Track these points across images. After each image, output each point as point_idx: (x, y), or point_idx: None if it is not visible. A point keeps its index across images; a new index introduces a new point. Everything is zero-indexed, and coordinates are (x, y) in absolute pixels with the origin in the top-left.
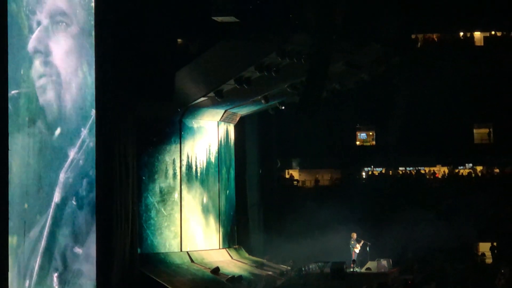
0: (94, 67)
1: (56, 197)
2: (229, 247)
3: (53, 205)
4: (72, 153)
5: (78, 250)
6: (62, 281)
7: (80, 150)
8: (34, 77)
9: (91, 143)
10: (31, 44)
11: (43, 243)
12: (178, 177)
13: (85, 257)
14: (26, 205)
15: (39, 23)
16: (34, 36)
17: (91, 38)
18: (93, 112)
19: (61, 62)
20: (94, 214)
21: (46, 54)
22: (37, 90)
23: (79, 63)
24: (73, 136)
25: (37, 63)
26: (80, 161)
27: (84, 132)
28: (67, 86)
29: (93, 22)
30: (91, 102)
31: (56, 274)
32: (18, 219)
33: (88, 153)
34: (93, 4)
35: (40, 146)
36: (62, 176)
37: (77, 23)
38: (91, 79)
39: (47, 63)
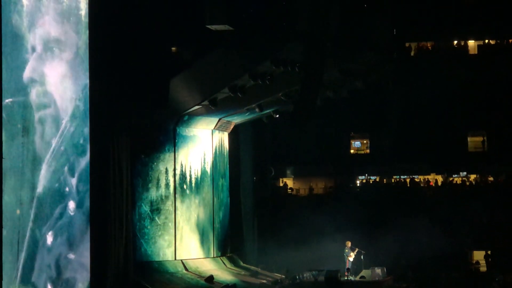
0: (88, 76)
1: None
2: (223, 255)
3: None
4: (54, 142)
5: (71, 256)
6: None
7: (61, 137)
8: (27, 88)
9: (71, 128)
10: (27, 70)
11: (37, 251)
12: (172, 186)
13: (79, 264)
14: (18, 212)
15: (34, 48)
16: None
17: (85, 53)
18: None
19: (53, 75)
20: (88, 221)
21: (38, 69)
22: (30, 100)
23: (72, 76)
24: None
25: (30, 77)
26: (61, 147)
27: (66, 119)
28: (61, 96)
29: (85, 34)
30: (86, 112)
31: (50, 282)
32: (11, 228)
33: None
34: (82, 12)
35: (34, 155)
36: (44, 168)
37: (70, 37)
38: (85, 90)
39: (39, 78)
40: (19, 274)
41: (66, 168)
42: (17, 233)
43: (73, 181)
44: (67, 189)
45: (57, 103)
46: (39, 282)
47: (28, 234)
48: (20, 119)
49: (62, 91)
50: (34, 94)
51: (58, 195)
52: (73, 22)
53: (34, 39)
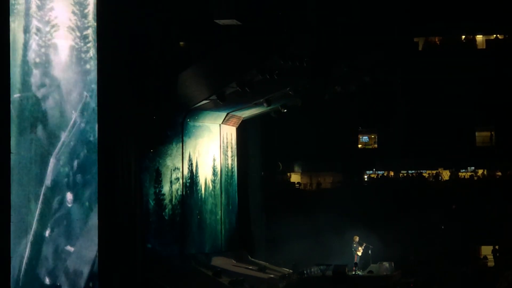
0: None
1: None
2: (231, 250)
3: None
4: (63, 136)
5: (70, 248)
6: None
7: (70, 133)
8: (35, 83)
9: (81, 124)
10: (31, 53)
11: (44, 245)
12: (180, 181)
13: (86, 258)
14: (27, 210)
15: (41, 42)
16: (33, 45)
17: (91, 43)
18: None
19: (61, 71)
20: (86, 214)
21: (45, 64)
22: (39, 96)
23: (80, 69)
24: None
25: (38, 72)
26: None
27: (75, 114)
28: (68, 92)
29: (92, 28)
30: (94, 108)
31: (48, 274)
32: (19, 223)
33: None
34: (89, 9)
35: (42, 150)
36: (52, 162)
37: (77, 30)
38: (93, 85)
39: (47, 73)
40: (23, 267)
41: (71, 163)
42: (25, 228)
43: (74, 173)
44: (66, 180)
45: (66, 97)
46: (40, 274)
47: (34, 228)
48: (29, 114)
49: (72, 86)
50: (42, 89)
51: (62, 189)
52: (83, 16)
53: (42, 32)
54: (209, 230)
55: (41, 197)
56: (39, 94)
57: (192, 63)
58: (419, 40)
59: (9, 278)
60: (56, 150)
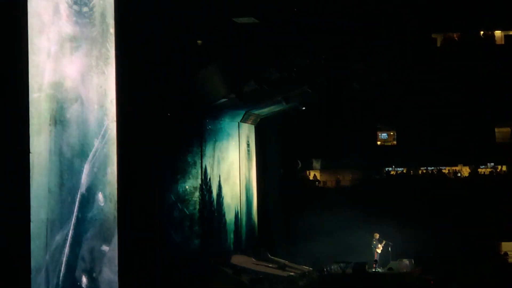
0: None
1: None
2: (251, 248)
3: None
4: (96, 143)
5: (105, 248)
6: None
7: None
8: (54, 83)
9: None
10: (54, 64)
11: (69, 242)
12: (200, 177)
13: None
14: (47, 207)
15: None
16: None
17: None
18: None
19: (79, 66)
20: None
21: (66, 73)
22: (57, 94)
23: (98, 64)
24: (95, 137)
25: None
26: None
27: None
28: (87, 90)
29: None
30: (112, 101)
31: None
32: (39, 222)
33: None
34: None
35: (61, 148)
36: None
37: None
38: (112, 80)
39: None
40: (50, 267)
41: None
42: (45, 226)
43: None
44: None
45: (84, 97)
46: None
47: (56, 227)
48: (48, 113)
49: (92, 85)
50: (63, 88)
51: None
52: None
53: (57, 34)
54: (229, 228)
55: (64, 196)
56: (60, 92)
57: (210, 62)
58: (437, 36)
59: (29, 277)
60: (76, 147)
